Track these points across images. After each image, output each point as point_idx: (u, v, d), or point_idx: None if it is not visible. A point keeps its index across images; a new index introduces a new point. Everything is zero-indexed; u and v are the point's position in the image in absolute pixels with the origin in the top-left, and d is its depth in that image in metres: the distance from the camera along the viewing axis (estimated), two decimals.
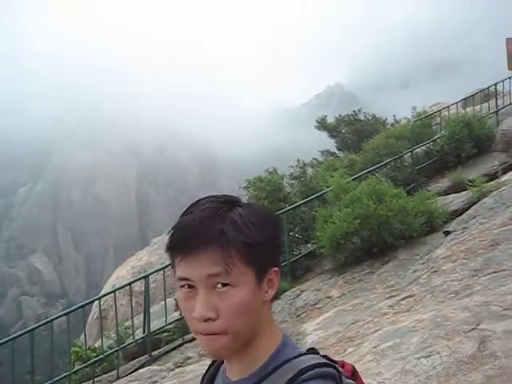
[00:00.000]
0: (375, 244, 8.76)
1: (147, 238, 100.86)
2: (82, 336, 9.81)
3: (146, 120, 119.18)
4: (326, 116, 19.23)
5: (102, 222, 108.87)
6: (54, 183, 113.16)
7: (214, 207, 1.21)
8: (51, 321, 8.21)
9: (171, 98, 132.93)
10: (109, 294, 9.91)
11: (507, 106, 16.69)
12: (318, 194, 10.60)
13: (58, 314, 8.80)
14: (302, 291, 8.83)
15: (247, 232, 1.19)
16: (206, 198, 1.28)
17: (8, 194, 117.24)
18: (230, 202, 1.26)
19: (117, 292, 9.15)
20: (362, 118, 18.82)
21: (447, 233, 8.52)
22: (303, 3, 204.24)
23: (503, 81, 17.59)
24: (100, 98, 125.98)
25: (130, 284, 9.16)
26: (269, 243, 1.23)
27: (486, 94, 18.70)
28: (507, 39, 18.32)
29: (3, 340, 7.73)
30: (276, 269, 1.26)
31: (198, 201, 1.27)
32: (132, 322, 9.08)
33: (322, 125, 18.83)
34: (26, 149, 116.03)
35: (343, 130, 18.72)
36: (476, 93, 18.39)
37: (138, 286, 11.13)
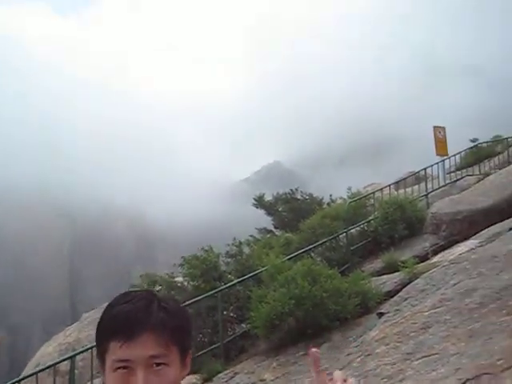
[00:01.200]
0: (310, 325, 8.70)
1: (79, 312, 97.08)
2: None
3: (81, 189, 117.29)
4: (263, 194, 19.47)
5: (31, 294, 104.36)
6: None
7: (148, 298, 1.41)
8: None
9: (108, 168, 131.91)
10: (30, 375, 9.34)
11: (436, 189, 17.44)
12: (254, 273, 10.55)
13: None
14: (236, 373, 8.61)
15: (177, 318, 1.40)
16: (132, 291, 1.50)
17: None
18: (154, 295, 1.46)
19: (41, 372, 8.64)
20: (299, 196, 19.15)
21: (381, 314, 8.58)
22: (243, 85, 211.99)
23: (432, 166, 18.48)
24: (34, 165, 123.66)
25: (53, 365, 8.69)
26: (189, 328, 1.47)
27: (417, 177, 19.57)
28: (434, 127, 19.46)
29: None
30: (190, 351, 1.46)
31: (126, 293, 1.50)
32: None
33: (260, 203, 19.03)
34: None
35: (280, 209, 18.96)
36: (408, 176, 19.21)
37: (65, 365, 10.58)
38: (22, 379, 9.04)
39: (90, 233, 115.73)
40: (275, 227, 19.33)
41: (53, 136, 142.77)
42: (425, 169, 18.52)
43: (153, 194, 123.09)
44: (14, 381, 9.08)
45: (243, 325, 10.39)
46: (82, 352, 9.23)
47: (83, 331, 18.12)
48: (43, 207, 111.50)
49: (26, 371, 17.09)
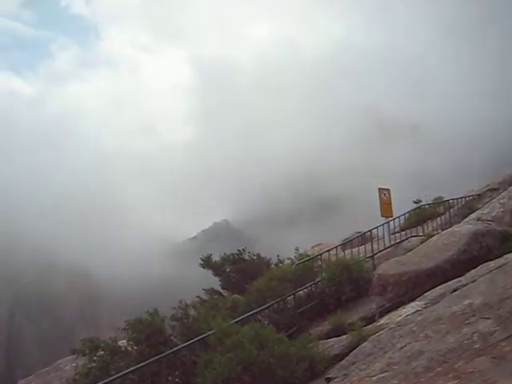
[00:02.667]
0: None
1: (16, 376, 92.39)
2: None
3: (23, 246, 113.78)
4: (210, 254, 19.31)
5: None
6: None
7: None
8: None
9: (52, 225, 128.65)
10: None
11: (382, 250, 17.67)
12: (200, 337, 10.32)
13: None
14: None
15: None
16: None
17: None
18: None
19: None
20: (246, 257, 19.07)
21: (329, 379, 8.48)
22: (192, 143, 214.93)
23: (377, 227, 18.81)
24: None
25: None
26: None
27: (364, 237, 19.86)
28: (379, 189, 19.91)
29: None
30: None
31: None
32: None
33: (207, 263, 18.85)
34: None
35: (228, 269, 18.81)
36: (354, 237, 19.45)
37: None
38: None
39: (31, 292, 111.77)
40: (223, 288, 19.10)
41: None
42: (370, 230, 18.82)
43: (99, 252, 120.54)
44: None
45: None
46: None
47: None
48: None
49: None
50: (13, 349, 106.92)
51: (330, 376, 8.53)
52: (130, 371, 9.64)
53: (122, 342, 11.15)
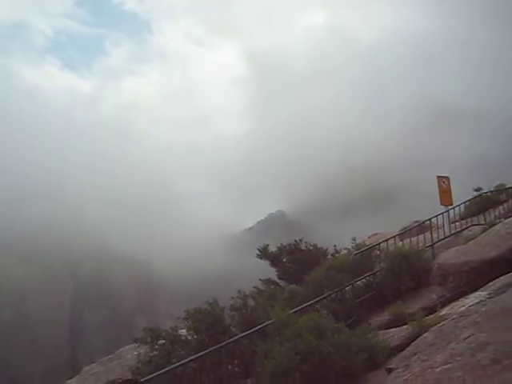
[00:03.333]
0: (317, 381, 8.47)
1: (78, 362, 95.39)
2: None
3: (85, 238, 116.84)
4: (267, 245, 19.34)
5: (31, 343, 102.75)
6: None
7: None
8: None
9: (112, 219, 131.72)
10: None
11: (442, 239, 17.28)
12: (259, 327, 10.35)
13: None
14: None
15: None
16: None
17: None
18: None
19: None
20: (303, 247, 19.02)
21: (390, 370, 8.35)
22: (248, 135, 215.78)
23: (437, 216, 18.37)
24: (35, 210, 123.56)
25: None
26: None
27: (422, 227, 19.43)
28: (438, 177, 19.43)
29: None
30: None
31: None
32: None
33: (264, 253, 18.90)
34: None
35: (284, 259, 18.80)
36: (413, 227, 19.07)
37: None
38: None
39: (93, 283, 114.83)
40: (279, 278, 19.13)
41: (58, 185, 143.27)
42: (430, 219, 18.40)
43: (156, 244, 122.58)
44: None
45: (248, 380, 10.13)
46: None
47: None
48: (47, 256, 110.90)
49: None
50: (75, 338, 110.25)
51: (391, 366, 8.40)
52: (191, 360, 9.77)
53: (182, 332, 11.31)
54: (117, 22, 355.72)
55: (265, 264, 20.03)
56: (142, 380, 8.77)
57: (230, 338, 10.22)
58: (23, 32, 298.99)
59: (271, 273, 20.04)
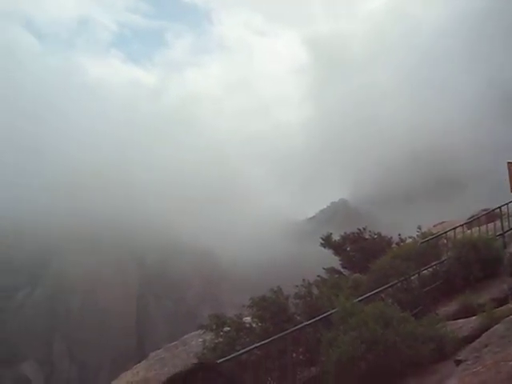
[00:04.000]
0: (383, 370, 8.36)
1: (145, 350, 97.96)
2: None
3: (150, 228, 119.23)
4: (331, 234, 19.21)
5: (100, 331, 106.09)
6: (53, 289, 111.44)
7: None
8: None
9: (176, 208, 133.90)
10: None
11: None
12: (323, 315, 10.31)
13: None
14: None
15: None
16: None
17: (4, 298, 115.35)
18: None
19: None
20: (367, 236, 18.78)
21: (459, 362, 8.13)
22: (308, 124, 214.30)
23: (507, 204, 17.71)
24: (102, 202, 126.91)
25: None
26: None
27: (491, 215, 18.77)
28: (508, 163, 18.69)
29: None
30: None
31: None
32: None
33: (328, 242, 18.77)
34: (26, 251, 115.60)
35: (348, 248, 18.63)
36: (481, 215, 18.49)
37: None
38: None
39: (158, 273, 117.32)
40: (343, 267, 18.98)
41: (125, 180, 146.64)
42: (499, 207, 17.75)
43: (220, 234, 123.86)
44: None
45: (313, 368, 10.12)
46: None
47: (151, 370, 18.20)
48: (115, 248, 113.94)
49: None
50: (142, 327, 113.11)
51: (460, 358, 8.19)
52: (256, 347, 9.84)
53: (247, 319, 11.41)
54: (178, 14, 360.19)
55: (327, 253, 19.90)
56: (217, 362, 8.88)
57: (295, 326, 10.23)
58: (88, 27, 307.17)
59: (334, 262, 19.90)
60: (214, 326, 10.92)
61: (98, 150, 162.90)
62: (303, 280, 11.62)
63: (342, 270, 18.72)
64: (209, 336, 11.54)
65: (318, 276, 17.42)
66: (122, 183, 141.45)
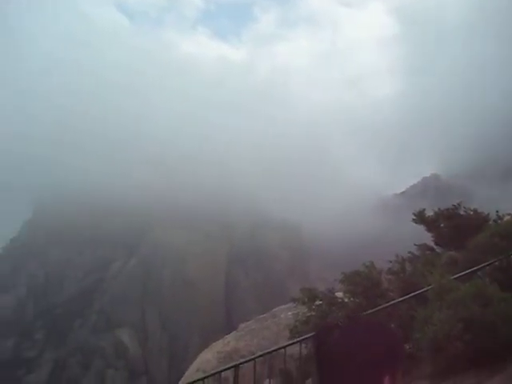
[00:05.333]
0: (480, 351, 8.11)
1: (233, 321, 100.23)
2: None
3: (240, 201, 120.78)
4: (424, 209, 18.66)
5: (190, 303, 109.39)
6: (146, 261, 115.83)
7: None
8: None
9: (265, 180, 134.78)
10: (197, 381, 9.72)
11: None
12: (417, 292, 10.11)
13: None
14: None
15: None
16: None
17: (101, 268, 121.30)
18: None
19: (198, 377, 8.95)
20: (461, 212, 18.09)
21: None
22: (399, 97, 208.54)
23: None
24: (194, 179, 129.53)
25: (219, 372, 8.99)
26: None
27: None
28: None
29: None
30: None
31: None
32: None
33: (420, 218, 18.24)
34: (122, 224, 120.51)
35: (442, 225, 18.02)
36: None
37: (224, 372, 10.89)
38: (192, 383, 9.40)
39: (247, 245, 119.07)
40: (436, 244, 18.43)
41: (215, 153, 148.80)
42: None
43: (308, 208, 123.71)
44: (197, 379, 9.60)
45: (406, 345, 9.96)
46: (246, 362, 9.41)
47: (241, 341, 18.59)
48: (205, 221, 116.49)
49: (187, 375, 17.90)
50: (230, 298, 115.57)
51: None
52: None
53: (339, 294, 11.39)
54: None
55: (418, 229, 19.39)
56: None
57: (388, 301, 10.10)
58: (176, 4, 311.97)
59: (425, 238, 19.37)
60: (306, 300, 10.97)
61: (188, 128, 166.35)
62: (396, 256, 11.42)
63: (434, 247, 18.20)
64: (297, 309, 11.64)
65: (409, 252, 17.05)
66: (212, 159, 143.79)
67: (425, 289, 10.00)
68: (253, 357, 9.16)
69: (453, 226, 17.63)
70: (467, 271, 11.06)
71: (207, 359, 18.34)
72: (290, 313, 16.55)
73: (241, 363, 9.00)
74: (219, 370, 9.34)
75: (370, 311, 9.64)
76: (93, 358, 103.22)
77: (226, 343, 18.46)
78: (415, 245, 18.76)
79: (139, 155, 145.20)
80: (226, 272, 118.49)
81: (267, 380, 10.07)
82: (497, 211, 18.27)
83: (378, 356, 1.93)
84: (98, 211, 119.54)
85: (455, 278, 10.44)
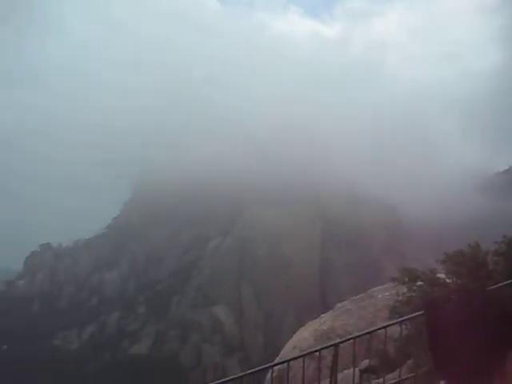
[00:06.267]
0: None
1: (327, 300, 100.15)
2: None
3: (334, 179, 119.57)
4: None
5: (284, 280, 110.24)
6: (242, 239, 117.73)
7: None
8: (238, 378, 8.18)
9: (360, 159, 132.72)
10: (297, 358, 9.74)
11: None
12: None
13: (251, 371, 8.70)
14: None
15: None
16: None
17: (199, 246, 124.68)
18: None
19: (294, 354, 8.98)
20: None
21: None
22: (497, 70, 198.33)
23: None
24: (288, 159, 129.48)
25: (319, 350, 8.99)
26: None
27: None
28: None
29: None
30: None
31: None
32: None
33: None
34: (219, 204, 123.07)
35: None
36: None
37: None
38: (291, 359, 9.44)
39: (341, 223, 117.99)
40: None
41: (311, 129, 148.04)
42: None
43: (404, 186, 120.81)
44: (283, 361, 9.68)
45: None
46: (347, 340, 9.35)
47: (337, 320, 18.50)
48: (298, 199, 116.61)
49: (283, 352, 18.07)
50: (324, 276, 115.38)
51: None
52: None
53: (440, 275, 11.02)
54: None
55: None
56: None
57: (495, 283, 9.63)
58: None
59: None
60: (406, 280, 10.70)
61: (284, 105, 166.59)
62: (504, 236, 10.86)
63: None
64: (397, 289, 11.38)
65: None
66: (306, 137, 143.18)
67: None
68: (353, 335, 9.06)
69: None
70: None
71: (304, 337, 18.37)
72: (387, 293, 16.27)
73: (341, 342, 8.93)
74: (319, 348, 9.32)
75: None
76: (190, 332, 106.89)
77: (323, 322, 18.42)
78: None
79: (237, 135, 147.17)
80: (320, 250, 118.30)
81: (366, 360, 9.94)
82: None
83: (500, 330, 1.80)
84: (196, 191, 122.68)
85: None
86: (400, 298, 10.74)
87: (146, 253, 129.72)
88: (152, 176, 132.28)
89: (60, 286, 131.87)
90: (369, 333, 8.39)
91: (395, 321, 8.77)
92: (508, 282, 9.76)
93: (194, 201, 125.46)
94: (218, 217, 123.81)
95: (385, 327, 8.54)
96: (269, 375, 14.72)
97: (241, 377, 7.95)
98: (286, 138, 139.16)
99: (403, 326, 8.68)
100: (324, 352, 9.49)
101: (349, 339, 9.07)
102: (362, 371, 9.92)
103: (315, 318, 20.66)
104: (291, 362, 9.18)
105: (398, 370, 9.34)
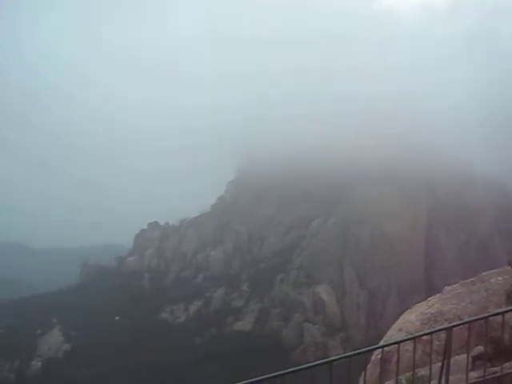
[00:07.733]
0: None
1: (433, 282, 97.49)
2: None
3: (442, 158, 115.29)
4: None
5: (388, 260, 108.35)
6: (345, 218, 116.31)
7: None
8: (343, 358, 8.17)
9: (469, 137, 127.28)
10: (406, 340, 9.61)
11: None
12: None
13: (354, 352, 8.68)
14: None
15: None
16: None
17: (302, 225, 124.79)
18: None
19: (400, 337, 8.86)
20: None
21: None
22: None
23: None
24: (392, 136, 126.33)
25: (431, 333, 8.86)
26: None
27: None
28: None
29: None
30: None
31: None
32: (430, 371, 8.67)
33: None
34: (322, 183, 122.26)
35: None
36: None
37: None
38: (401, 341, 9.32)
39: (450, 205, 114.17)
40: None
41: (413, 108, 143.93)
42: None
43: None
44: (390, 342, 9.66)
45: None
46: (461, 324, 9.11)
47: (446, 304, 17.97)
48: (403, 178, 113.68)
49: (389, 334, 17.87)
50: (430, 257, 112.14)
51: None
52: None
53: None
54: None
55: None
56: None
57: None
58: None
59: None
60: None
61: (383, 82, 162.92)
62: None
63: None
64: (511, 274, 10.90)
65: None
66: (409, 116, 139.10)
67: None
68: (467, 320, 8.83)
69: None
70: None
71: (410, 320, 18.07)
72: (500, 278, 15.64)
73: (454, 325, 8.71)
74: (430, 330, 9.18)
75: None
76: (292, 311, 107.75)
77: (431, 305, 17.98)
78: None
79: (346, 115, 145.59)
80: (426, 229, 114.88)
81: (479, 347, 9.62)
82: None
83: None
84: (300, 170, 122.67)
85: None
86: None
87: (250, 231, 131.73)
88: (256, 155, 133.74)
89: (167, 262, 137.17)
90: (484, 317, 8.16)
91: None
92: None
93: (297, 180, 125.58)
94: (322, 196, 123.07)
95: (503, 313, 8.27)
96: (374, 356, 14.63)
97: (349, 356, 7.97)
98: (393, 115, 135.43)
99: None
100: (429, 336, 9.32)
101: (463, 323, 8.84)
102: (475, 358, 9.61)
103: (420, 300, 20.22)
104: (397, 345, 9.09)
105: None
